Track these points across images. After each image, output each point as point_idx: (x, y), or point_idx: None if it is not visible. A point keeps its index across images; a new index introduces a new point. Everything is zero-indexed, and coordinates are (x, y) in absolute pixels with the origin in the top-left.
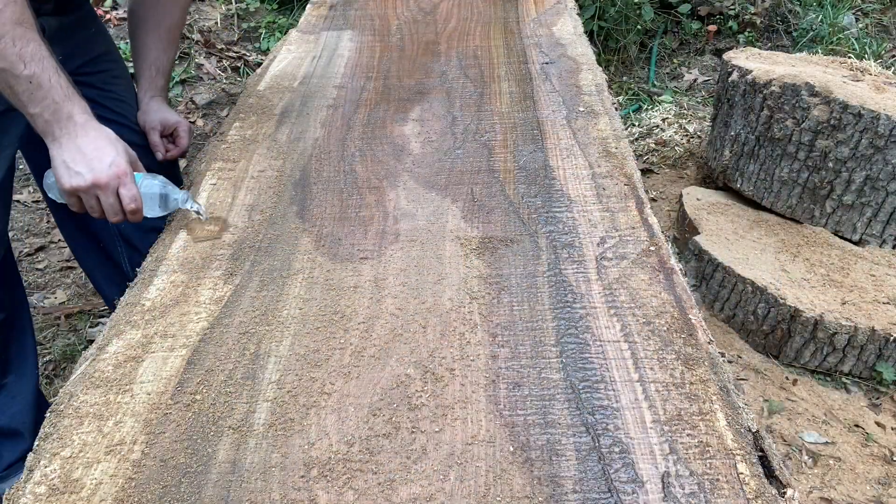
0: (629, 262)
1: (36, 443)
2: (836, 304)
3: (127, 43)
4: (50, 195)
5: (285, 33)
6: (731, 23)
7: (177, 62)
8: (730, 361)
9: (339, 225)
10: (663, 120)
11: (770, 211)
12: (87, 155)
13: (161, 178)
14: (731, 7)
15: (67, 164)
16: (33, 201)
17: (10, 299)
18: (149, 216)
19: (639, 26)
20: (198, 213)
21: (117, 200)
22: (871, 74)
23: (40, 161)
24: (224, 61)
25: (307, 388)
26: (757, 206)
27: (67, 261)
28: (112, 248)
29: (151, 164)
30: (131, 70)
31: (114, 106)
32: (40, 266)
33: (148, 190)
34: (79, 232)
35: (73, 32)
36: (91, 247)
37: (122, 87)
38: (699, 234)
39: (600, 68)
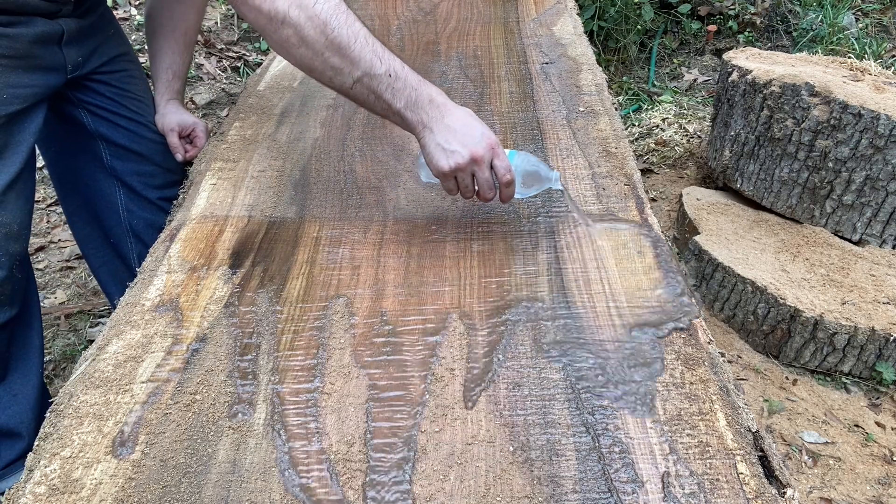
0: None
1: (36, 443)
2: (836, 304)
3: None
4: (423, 178)
5: None
6: (731, 23)
7: None
8: (730, 361)
9: (339, 225)
10: (663, 120)
11: (770, 211)
12: (458, 132)
13: (530, 154)
14: (731, 7)
15: (442, 146)
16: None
17: (23, 296)
18: (519, 196)
19: (639, 26)
20: (565, 194)
21: (492, 174)
22: (871, 74)
23: (54, 156)
24: (224, 61)
25: (307, 387)
26: (757, 206)
27: (67, 261)
28: (122, 244)
29: (172, 164)
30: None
31: (131, 105)
32: (40, 266)
33: (518, 167)
34: (89, 226)
35: (93, 34)
36: (101, 242)
37: (139, 87)
38: (699, 234)
39: (600, 68)
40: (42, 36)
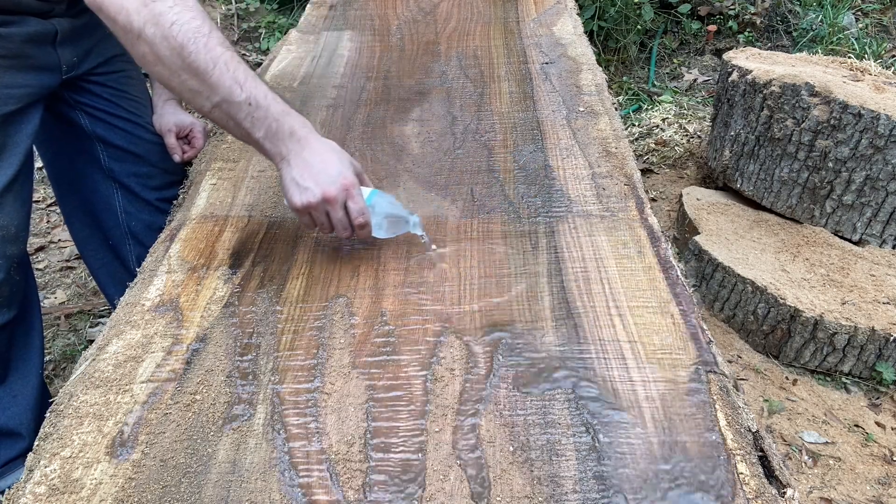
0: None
1: (36, 443)
2: (836, 304)
3: None
4: (287, 203)
5: (285, 33)
6: (731, 23)
7: None
8: (730, 361)
9: None
10: (663, 120)
11: (770, 211)
12: (314, 168)
13: (392, 197)
14: (731, 7)
15: (297, 181)
16: (33, 201)
17: (23, 297)
18: (379, 235)
19: (639, 26)
20: (424, 240)
21: (346, 214)
22: (871, 74)
23: (52, 158)
24: None
25: (307, 387)
26: (757, 206)
27: (67, 261)
28: (121, 246)
29: (170, 165)
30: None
31: (128, 106)
32: (40, 266)
33: (377, 208)
34: (88, 228)
35: (87, 34)
36: (99, 244)
37: (136, 87)
38: (699, 234)
39: (600, 68)
40: (35, 35)
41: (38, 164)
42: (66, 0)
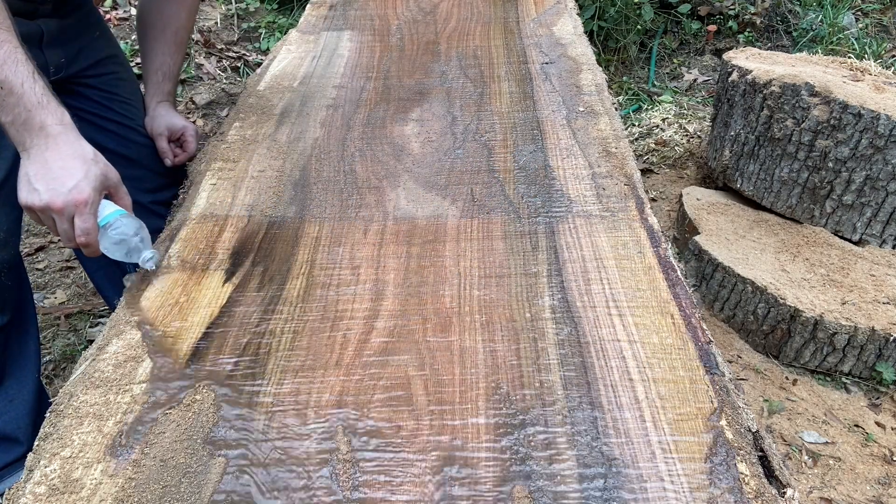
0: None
1: (36, 443)
2: (836, 304)
3: (127, 43)
4: None
5: (285, 33)
6: (731, 23)
7: None
8: (730, 361)
9: (339, 225)
10: (663, 120)
11: (770, 211)
12: (51, 172)
13: (139, 226)
14: (731, 7)
15: (29, 179)
16: None
17: (16, 301)
18: (112, 257)
19: (639, 26)
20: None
21: (72, 228)
22: (871, 74)
23: None
24: (224, 61)
25: (307, 388)
26: (757, 206)
27: (67, 261)
28: None
29: (161, 168)
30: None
31: (119, 108)
32: (40, 266)
33: (115, 232)
34: None
35: (76, 35)
36: None
37: (127, 89)
38: (699, 234)
39: (600, 68)
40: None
41: None
42: (51, 0)
